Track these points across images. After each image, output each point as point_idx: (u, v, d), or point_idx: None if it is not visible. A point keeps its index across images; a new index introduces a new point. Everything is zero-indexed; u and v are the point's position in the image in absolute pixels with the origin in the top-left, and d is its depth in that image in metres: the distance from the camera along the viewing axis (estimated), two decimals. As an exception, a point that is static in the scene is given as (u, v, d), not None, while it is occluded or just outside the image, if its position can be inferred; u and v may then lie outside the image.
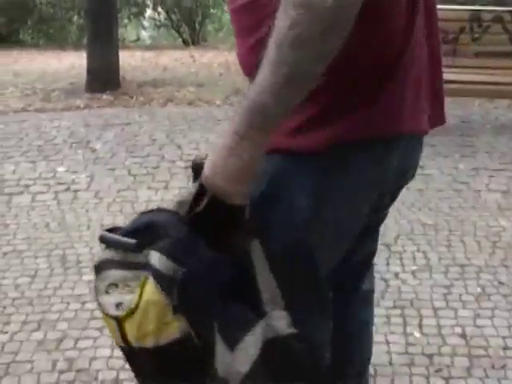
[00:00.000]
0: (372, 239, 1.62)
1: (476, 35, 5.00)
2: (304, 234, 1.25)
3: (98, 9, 6.05)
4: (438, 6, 1.37)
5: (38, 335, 2.42)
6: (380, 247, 2.99)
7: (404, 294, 2.69)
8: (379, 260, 2.94)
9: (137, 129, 4.88)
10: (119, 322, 1.16)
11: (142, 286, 1.12)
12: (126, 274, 1.15)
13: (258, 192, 1.21)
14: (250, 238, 1.20)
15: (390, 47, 1.19)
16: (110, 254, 1.18)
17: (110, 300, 1.17)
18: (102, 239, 1.19)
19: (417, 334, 2.41)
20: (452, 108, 5.29)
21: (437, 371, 2.21)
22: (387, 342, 2.37)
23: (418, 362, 2.26)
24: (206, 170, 1.10)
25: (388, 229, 3.23)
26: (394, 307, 2.59)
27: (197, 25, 13.75)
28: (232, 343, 1.16)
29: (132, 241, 1.13)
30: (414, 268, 2.89)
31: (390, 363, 2.26)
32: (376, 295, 2.65)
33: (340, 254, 1.35)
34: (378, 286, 2.73)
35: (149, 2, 13.47)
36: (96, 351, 2.31)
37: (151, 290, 1.11)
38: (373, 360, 2.27)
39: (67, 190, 3.81)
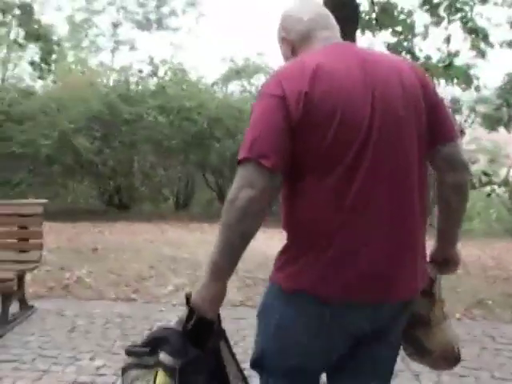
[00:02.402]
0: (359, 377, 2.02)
1: None
2: (270, 342, 1.93)
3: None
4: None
5: None
6: None
7: None
8: None
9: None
10: None
11: (155, 376, 1.81)
12: (144, 371, 1.85)
13: (264, 304, 1.96)
14: (219, 339, 1.90)
15: (316, 224, 1.77)
16: (130, 360, 1.89)
17: None
18: (127, 352, 1.91)
19: None
20: None
21: None
22: None
23: None
24: (193, 296, 1.81)
25: None
26: None
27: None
28: None
29: (146, 349, 1.86)
30: None
31: None
32: None
33: (300, 360, 1.91)
34: None
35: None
36: None
37: (161, 377, 1.80)
38: None
39: None
